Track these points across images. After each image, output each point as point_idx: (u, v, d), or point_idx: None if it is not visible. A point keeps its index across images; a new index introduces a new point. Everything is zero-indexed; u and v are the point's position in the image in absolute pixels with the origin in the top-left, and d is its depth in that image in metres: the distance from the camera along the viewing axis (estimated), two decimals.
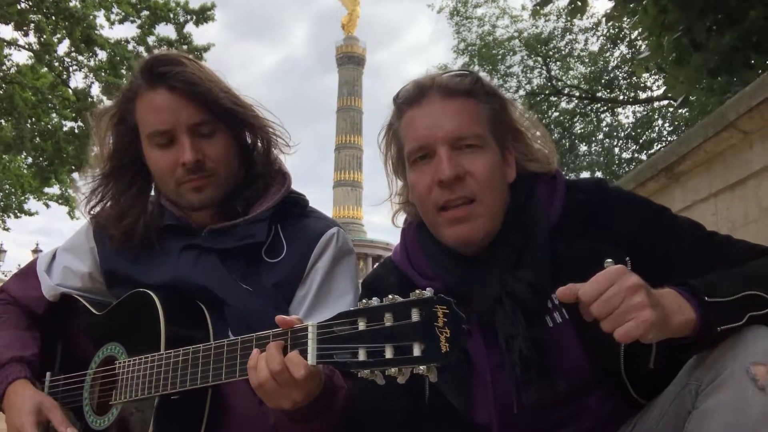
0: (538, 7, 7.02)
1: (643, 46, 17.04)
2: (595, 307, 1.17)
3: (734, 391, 1.15)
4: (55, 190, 19.90)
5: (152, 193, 1.83)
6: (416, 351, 1.09)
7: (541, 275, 1.46)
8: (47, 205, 21.14)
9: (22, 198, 21.39)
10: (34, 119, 15.09)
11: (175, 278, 1.67)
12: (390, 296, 1.15)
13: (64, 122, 15.58)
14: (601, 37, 19.39)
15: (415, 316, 1.11)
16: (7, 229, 22.96)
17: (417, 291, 1.13)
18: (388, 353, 1.11)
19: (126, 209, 1.78)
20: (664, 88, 18.73)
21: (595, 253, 1.44)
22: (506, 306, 1.43)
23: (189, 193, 1.69)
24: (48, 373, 1.79)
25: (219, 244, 1.70)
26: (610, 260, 1.42)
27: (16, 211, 21.61)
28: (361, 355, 1.14)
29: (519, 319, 1.42)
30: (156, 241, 1.76)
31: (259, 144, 1.82)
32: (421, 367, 1.09)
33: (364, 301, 1.18)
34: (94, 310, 1.77)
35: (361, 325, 1.16)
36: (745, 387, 1.14)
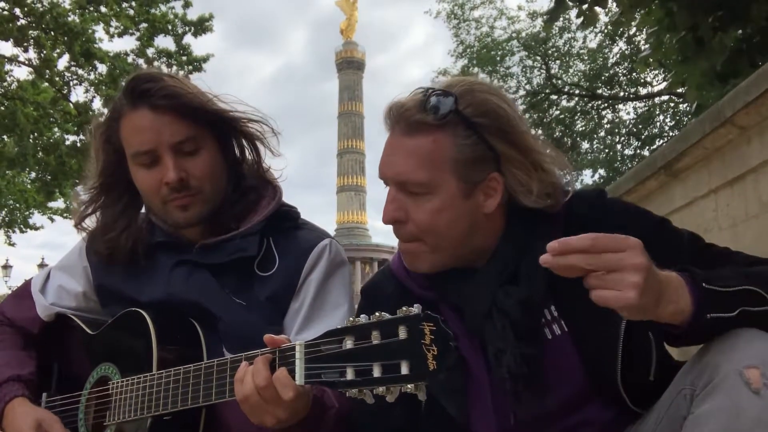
0: (547, 23, 7.03)
1: (642, 42, 17.07)
2: (590, 258, 1.15)
3: (728, 396, 1.14)
4: (59, 204, 20.00)
5: (143, 209, 1.83)
6: (404, 369, 1.08)
7: (536, 290, 1.44)
8: (52, 219, 21.23)
9: (27, 213, 21.48)
10: (36, 134, 15.17)
11: (168, 295, 1.67)
12: (377, 313, 1.15)
13: (66, 136, 15.66)
14: (599, 34, 19.40)
15: (402, 333, 1.10)
16: (12, 244, 23.04)
17: (404, 308, 1.13)
18: (376, 372, 1.10)
19: (110, 224, 1.78)
20: (665, 83, 18.75)
21: None
22: (495, 321, 1.42)
23: (175, 211, 1.68)
24: (44, 394, 1.78)
25: (211, 260, 1.69)
26: None
27: (21, 225, 21.69)
28: (350, 374, 1.13)
29: (508, 335, 1.40)
30: (146, 257, 1.75)
31: (249, 155, 1.81)
32: (409, 386, 1.08)
33: (351, 318, 1.18)
34: (88, 330, 1.76)
35: (349, 344, 1.15)
36: (739, 391, 1.13)
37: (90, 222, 1.83)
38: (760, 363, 1.14)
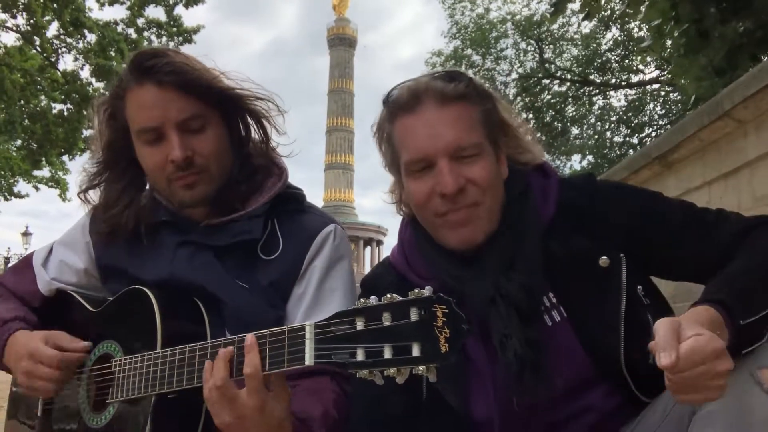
0: (553, 15, 6.96)
1: (636, 29, 17.04)
2: (680, 379, 1.08)
3: (739, 395, 1.14)
4: (44, 172, 19.81)
5: (147, 187, 1.80)
6: (415, 351, 1.07)
7: (534, 275, 1.45)
8: (37, 188, 21.05)
9: (12, 181, 21.26)
10: (23, 102, 14.97)
11: (172, 275, 1.65)
12: (389, 295, 1.13)
13: (53, 105, 15.46)
14: (594, 20, 19.37)
15: (414, 315, 1.09)
16: None
17: (416, 290, 1.11)
18: (387, 353, 1.09)
19: (112, 200, 1.75)
20: (658, 72, 18.79)
21: (590, 251, 1.47)
22: (500, 307, 1.42)
23: (180, 190, 1.65)
24: None
25: (214, 241, 1.67)
26: (605, 257, 1.44)
27: (6, 193, 21.48)
28: (360, 355, 1.12)
29: (513, 320, 1.41)
30: (150, 236, 1.73)
31: (255, 134, 1.78)
32: (421, 368, 1.07)
33: (362, 300, 1.16)
34: (89, 307, 1.74)
35: (360, 325, 1.14)
36: (750, 391, 1.14)
37: (94, 195, 1.80)
38: None
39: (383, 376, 1.12)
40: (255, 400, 1.28)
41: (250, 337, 1.29)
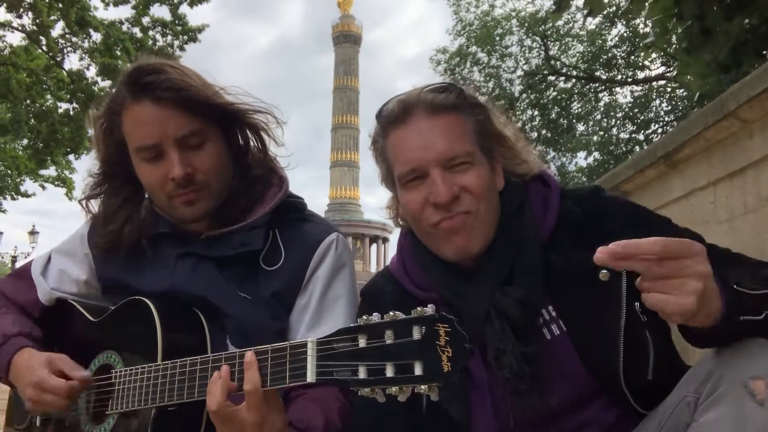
0: (555, 12, 6.90)
1: (641, 25, 16.96)
2: (656, 266, 1.09)
3: (732, 406, 1.14)
4: (51, 171, 19.91)
5: (146, 196, 1.79)
6: (417, 370, 1.07)
7: (532, 290, 1.44)
8: (43, 187, 21.13)
9: (18, 180, 21.36)
10: (29, 101, 15.04)
11: (173, 286, 1.64)
12: (391, 313, 1.13)
13: (59, 104, 15.53)
14: (599, 17, 19.28)
15: (416, 334, 1.08)
16: (3, 211, 23.00)
17: (419, 308, 1.11)
18: (389, 372, 1.09)
19: (110, 215, 1.74)
20: (664, 68, 18.71)
21: (591, 263, 1.44)
22: (495, 322, 1.41)
23: (181, 207, 1.64)
24: None
25: (216, 252, 1.66)
26: (605, 271, 1.41)
27: (13, 192, 21.58)
28: (362, 373, 1.12)
29: (508, 335, 1.40)
30: (150, 248, 1.72)
31: (253, 144, 1.77)
32: (423, 387, 1.07)
33: (365, 317, 1.16)
34: (90, 317, 1.74)
35: (362, 342, 1.13)
36: (743, 401, 1.13)
37: (95, 203, 1.79)
38: (765, 374, 1.13)
39: (385, 394, 1.11)
40: (255, 416, 1.27)
41: (249, 355, 1.28)
